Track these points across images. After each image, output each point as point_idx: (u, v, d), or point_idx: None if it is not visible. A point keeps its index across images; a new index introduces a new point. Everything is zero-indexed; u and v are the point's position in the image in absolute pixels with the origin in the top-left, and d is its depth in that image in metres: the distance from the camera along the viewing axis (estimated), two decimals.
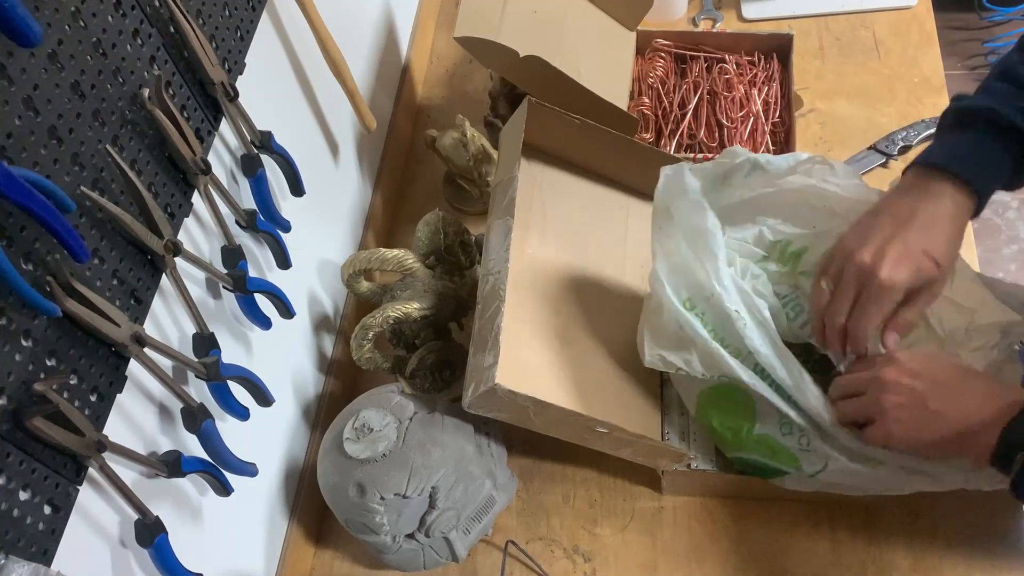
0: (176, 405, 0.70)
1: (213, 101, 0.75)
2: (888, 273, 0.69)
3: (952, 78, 1.70)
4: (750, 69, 1.17)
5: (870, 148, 1.14)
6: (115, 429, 0.63)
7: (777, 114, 1.14)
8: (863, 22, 1.27)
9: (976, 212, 0.72)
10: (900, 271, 0.69)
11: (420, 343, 0.98)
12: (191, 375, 0.72)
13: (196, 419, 0.70)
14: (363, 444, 0.84)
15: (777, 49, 1.18)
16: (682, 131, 1.13)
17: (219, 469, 0.74)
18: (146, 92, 0.65)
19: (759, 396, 0.78)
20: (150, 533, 0.66)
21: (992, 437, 0.66)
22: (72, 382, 0.58)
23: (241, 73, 0.79)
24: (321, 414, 1.00)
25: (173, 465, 0.69)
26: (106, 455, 0.60)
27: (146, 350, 0.64)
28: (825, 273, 0.75)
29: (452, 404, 0.90)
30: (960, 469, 0.75)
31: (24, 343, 0.55)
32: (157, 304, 0.69)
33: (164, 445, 0.71)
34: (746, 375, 0.77)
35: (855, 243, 0.71)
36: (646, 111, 1.15)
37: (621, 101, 1.07)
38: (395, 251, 0.95)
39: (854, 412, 0.74)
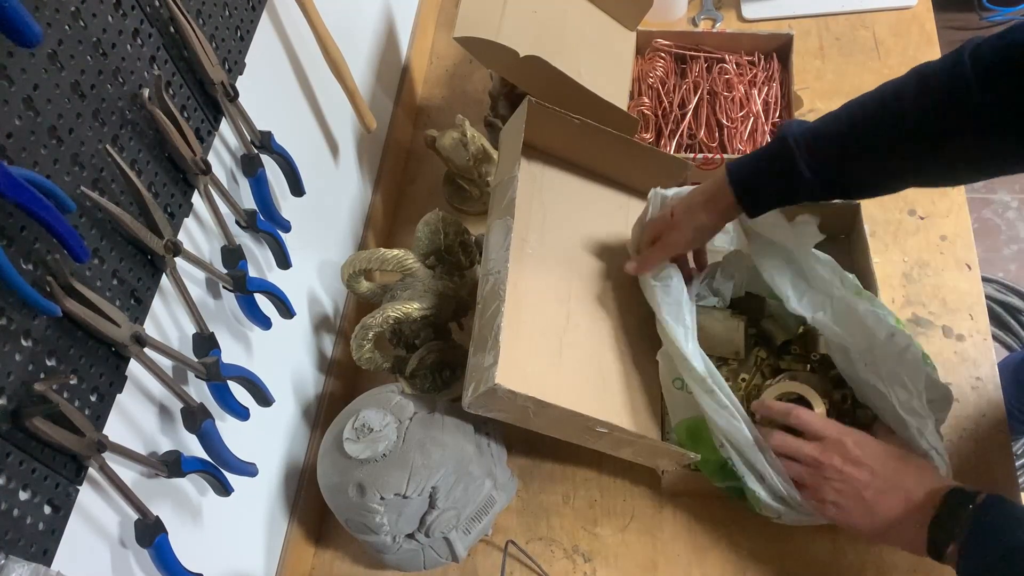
0: (176, 405, 0.70)
1: (213, 101, 0.75)
2: (647, 232, 0.89)
3: None
4: (750, 69, 1.17)
5: None
6: (115, 429, 0.63)
7: (777, 114, 1.14)
8: (863, 22, 1.27)
9: (743, 208, 0.81)
10: (650, 230, 0.89)
11: (420, 343, 0.98)
12: (191, 375, 0.72)
13: (196, 419, 0.70)
14: (363, 444, 0.84)
15: (777, 49, 1.18)
16: (682, 131, 1.13)
17: (219, 469, 0.74)
18: (146, 92, 0.65)
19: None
20: (150, 533, 0.66)
21: (922, 532, 0.71)
22: (72, 382, 0.58)
23: (241, 73, 0.79)
24: (321, 414, 1.00)
25: (173, 465, 0.69)
26: (106, 455, 0.60)
27: (146, 350, 0.64)
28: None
29: (452, 404, 0.90)
30: None
31: (24, 343, 0.55)
32: (157, 304, 0.69)
33: (164, 445, 0.71)
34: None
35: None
36: (646, 111, 1.15)
37: (621, 101, 1.07)
38: (395, 251, 0.95)
39: (795, 476, 0.79)
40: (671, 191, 0.89)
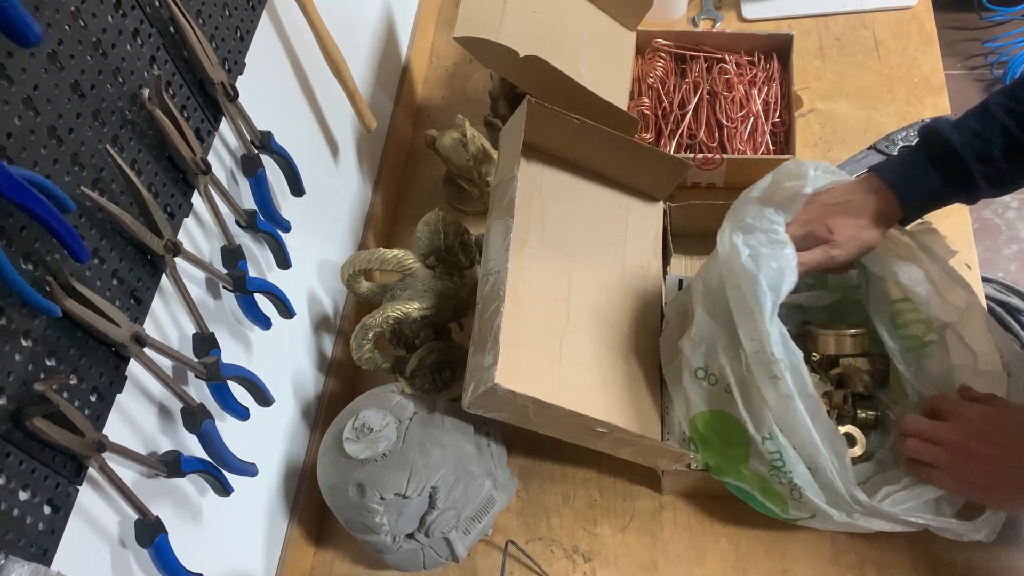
0: (176, 405, 0.70)
1: (213, 101, 0.75)
2: (791, 228, 0.80)
3: (952, 78, 1.70)
4: (750, 69, 1.17)
5: (870, 148, 1.14)
6: (115, 429, 0.63)
7: (777, 114, 1.14)
8: (863, 22, 1.27)
9: (903, 220, 0.82)
10: (796, 229, 0.80)
11: (420, 343, 0.98)
12: (191, 375, 0.72)
13: (196, 419, 0.70)
14: (363, 444, 0.84)
15: (777, 49, 1.18)
16: (682, 131, 1.13)
17: (219, 469, 0.74)
18: (146, 92, 0.65)
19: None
20: (150, 533, 0.66)
21: None
22: (72, 382, 0.58)
23: (241, 73, 0.79)
24: (321, 414, 1.00)
25: (173, 465, 0.69)
26: (106, 455, 0.60)
27: (146, 350, 0.64)
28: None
29: (452, 404, 0.90)
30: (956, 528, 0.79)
31: (24, 343, 0.55)
32: (157, 304, 0.69)
33: (164, 445, 0.71)
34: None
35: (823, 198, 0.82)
36: (646, 111, 1.15)
37: (621, 101, 1.07)
38: (395, 251, 0.95)
39: (921, 454, 0.79)
40: (822, 179, 0.82)
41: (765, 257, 0.76)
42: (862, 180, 0.82)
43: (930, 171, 0.79)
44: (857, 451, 0.89)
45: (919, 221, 0.86)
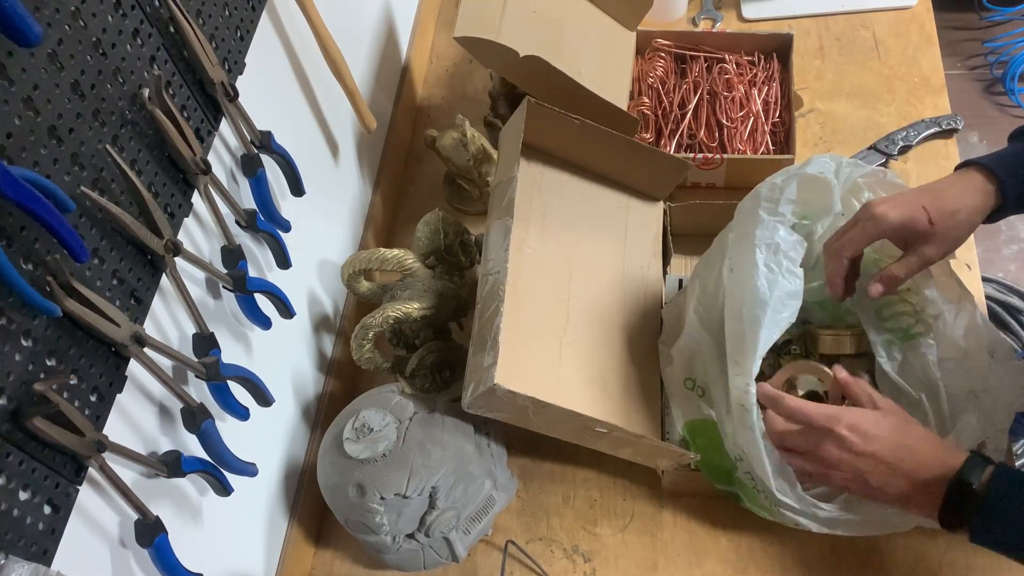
0: (176, 405, 0.70)
1: (213, 101, 0.75)
2: (881, 208, 0.75)
3: (952, 78, 1.70)
4: (750, 69, 1.17)
5: (870, 148, 1.14)
6: (115, 429, 0.63)
7: (777, 114, 1.14)
8: (863, 22, 1.27)
9: (997, 211, 0.77)
10: (893, 210, 0.75)
11: (420, 343, 0.98)
12: (191, 375, 0.72)
13: (196, 419, 0.70)
14: (363, 444, 0.84)
15: (777, 49, 1.18)
16: (682, 131, 1.13)
17: (219, 469, 0.74)
18: (146, 92, 0.65)
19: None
20: (150, 533, 0.66)
21: (933, 513, 0.70)
22: (72, 382, 0.58)
23: (241, 73, 0.79)
24: (321, 414, 1.00)
25: (173, 465, 0.69)
26: (106, 455, 0.60)
27: (146, 350, 0.64)
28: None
29: (452, 404, 0.90)
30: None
31: (24, 343, 0.55)
32: (157, 304, 0.69)
33: (164, 445, 0.71)
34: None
35: (875, 199, 0.78)
36: (646, 111, 1.15)
37: (621, 101, 1.07)
38: (395, 251, 0.95)
39: (798, 470, 0.77)
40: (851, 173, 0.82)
41: (781, 287, 0.75)
42: (959, 171, 0.79)
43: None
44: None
45: None
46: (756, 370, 0.75)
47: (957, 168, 0.80)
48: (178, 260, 0.69)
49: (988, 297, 1.70)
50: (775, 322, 0.74)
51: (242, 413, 0.77)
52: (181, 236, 0.70)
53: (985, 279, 1.68)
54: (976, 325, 0.83)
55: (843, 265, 0.79)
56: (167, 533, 0.66)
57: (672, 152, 1.11)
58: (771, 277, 0.75)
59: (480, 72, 1.32)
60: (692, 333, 0.84)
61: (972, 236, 1.05)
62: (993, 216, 0.79)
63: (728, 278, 0.79)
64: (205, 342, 0.73)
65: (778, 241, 0.77)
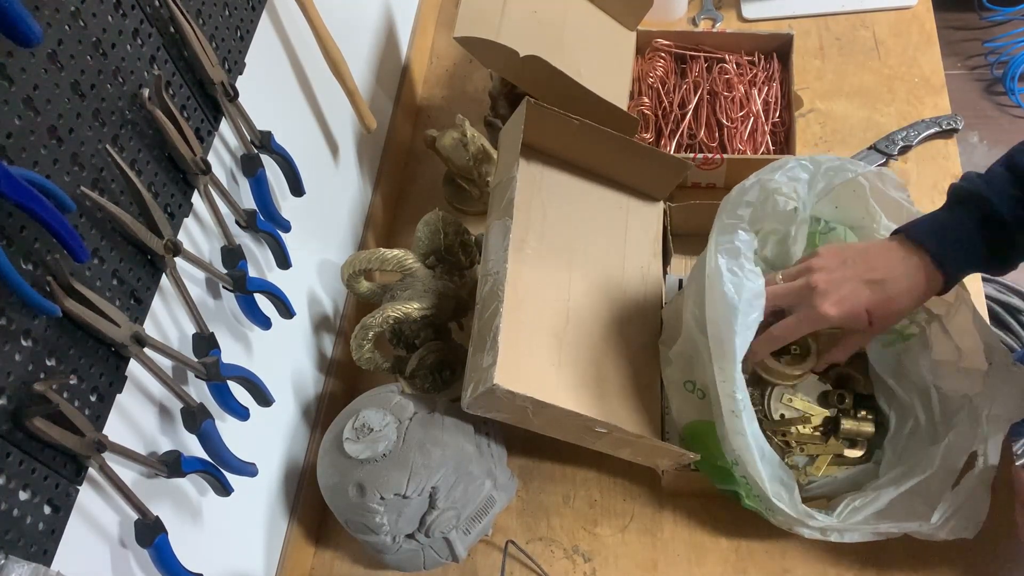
0: (176, 405, 0.70)
1: (213, 101, 0.75)
2: (826, 307, 0.75)
3: (952, 78, 1.70)
4: (750, 69, 1.17)
5: (870, 148, 1.14)
6: (115, 429, 0.63)
7: (777, 114, 1.14)
8: (863, 22, 1.27)
9: (944, 290, 0.77)
10: (835, 309, 0.75)
11: (420, 343, 0.98)
12: (191, 375, 0.72)
13: (196, 419, 0.70)
14: (363, 444, 0.84)
15: (777, 49, 1.18)
16: (682, 131, 1.13)
17: (219, 469, 0.74)
18: (146, 92, 0.65)
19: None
20: (150, 533, 0.66)
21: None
22: (72, 382, 0.58)
23: (241, 73, 0.79)
24: (321, 414, 1.00)
25: (173, 465, 0.69)
26: (106, 455, 0.60)
27: (146, 350, 0.64)
28: (786, 270, 0.81)
29: (452, 404, 0.90)
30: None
31: (24, 343, 0.55)
32: (157, 304, 0.69)
33: (164, 445, 0.71)
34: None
35: (823, 264, 0.77)
36: (646, 111, 1.15)
37: (621, 101, 1.07)
38: (395, 251, 0.95)
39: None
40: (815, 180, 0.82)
41: (747, 289, 0.75)
42: (897, 248, 0.76)
43: (977, 242, 0.74)
44: (857, 452, 0.90)
45: None
46: (738, 375, 0.75)
47: (899, 235, 0.77)
48: (178, 260, 0.69)
49: (988, 297, 1.70)
50: (746, 325, 0.74)
51: (242, 413, 0.77)
52: (181, 236, 0.70)
53: (985, 279, 1.68)
54: (972, 328, 0.83)
55: (774, 349, 0.82)
56: (167, 533, 0.66)
57: (672, 152, 1.11)
58: (736, 280, 0.75)
59: (480, 72, 1.32)
60: (689, 336, 0.84)
61: None
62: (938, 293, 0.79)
63: (707, 282, 0.79)
64: (205, 342, 0.73)
65: (738, 244, 0.77)
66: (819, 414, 0.91)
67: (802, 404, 0.90)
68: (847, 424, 0.89)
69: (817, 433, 0.91)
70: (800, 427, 0.89)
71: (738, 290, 0.75)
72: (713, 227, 0.81)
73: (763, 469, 0.76)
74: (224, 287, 0.77)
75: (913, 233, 0.76)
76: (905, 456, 0.85)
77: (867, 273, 0.76)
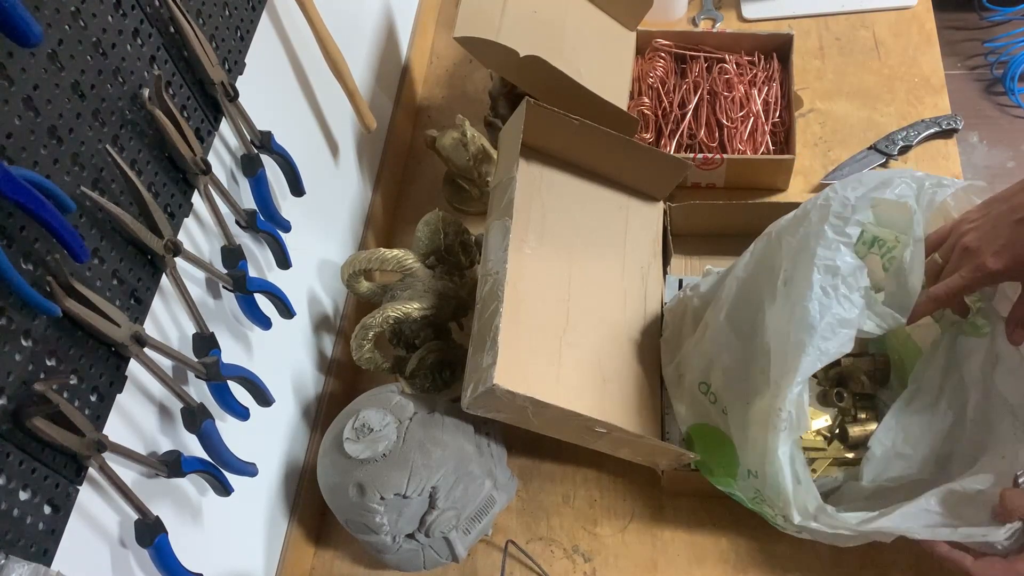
0: (176, 405, 0.70)
1: (213, 101, 0.75)
2: (988, 261, 0.70)
3: (952, 78, 1.70)
4: (750, 69, 1.17)
5: (870, 148, 1.14)
6: (115, 429, 0.63)
7: (777, 114, 1.14)
8: (863, 22, 1.27)
9: None
10: (998, 262, 0.70)
11: (420, 343, 0.98)
12: (191, 375, 0.72)
13: (196, 419, 0.70)
14: (363, 444, 0.84)
15: (777, 49, 1.18)
16: (682, 131, 1.13)
17: (219, 469, 0.74)
18: (146, 92, 0.65)
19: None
20: (150, 533, 0.66)
21: None
22: (72, 382, 0.58)
23: (241, 73, 0.79)
24: (321, 414, 1.00)
25: (173, 465, 0.69)
26: (106, 455, 0.60)
27: (146, 350, 0.64)
28: (936, 247, 0.76)
29: (452, 404, 0.90)
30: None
31: (24, 343, 0.55)
32: (157, 304, 0.69)
33: (164, 445, 0.71)
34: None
35: (968, 224, 0.73)
36: (646, 111, 1.15)
37: (621, 101, 1.07)
38: (395, 251, 0.95)
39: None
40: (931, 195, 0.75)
41: (834, 313, 0.70)
42: None
43: None
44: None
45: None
46: (793, 395, 0.71)
47: None
48: (178, 260, 0.69)
49: None
50: (821, 349, 0.71)
51: (242, 413, 0.77)
52: (181, 236, 0.70)
53: None
54: None
55: (937, 309, 0.76)
56: (167, 533, 0.66)
57: (672, 152, 1.11)
58: (825, 301, 0.71)
59: (480, 72, 1.32)
60: (720, 338, 0.80)
61: None
62: None
63: (781, 291, 0.74)
64: (205, 342, 0.73)
65: (839, 264, 0.71)
66: (818, 416, 0.91)
67: None
68: (855, 431, 0.89)
69: (819, 438, 0.91)
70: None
71: (822, 312, 0.71)
72: (809, 233, 0.74)
73: (790, 482, 0.73)
74: (224, 287, 0.77)
75: None
76: (910, 430, 0.83)
77: (1016, 213, 0.70)
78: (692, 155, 1.08)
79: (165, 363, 0.68)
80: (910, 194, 0.75)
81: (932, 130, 1.14)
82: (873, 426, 0.88)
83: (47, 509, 0.57)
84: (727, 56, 1.18)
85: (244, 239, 0.83)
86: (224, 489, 0.75)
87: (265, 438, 0.89)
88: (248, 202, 0.82)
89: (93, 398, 0.60)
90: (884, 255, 0.80)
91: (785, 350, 0.72)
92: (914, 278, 0.74)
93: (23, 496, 0.54)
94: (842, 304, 0.71)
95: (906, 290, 0.74)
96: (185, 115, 0.70)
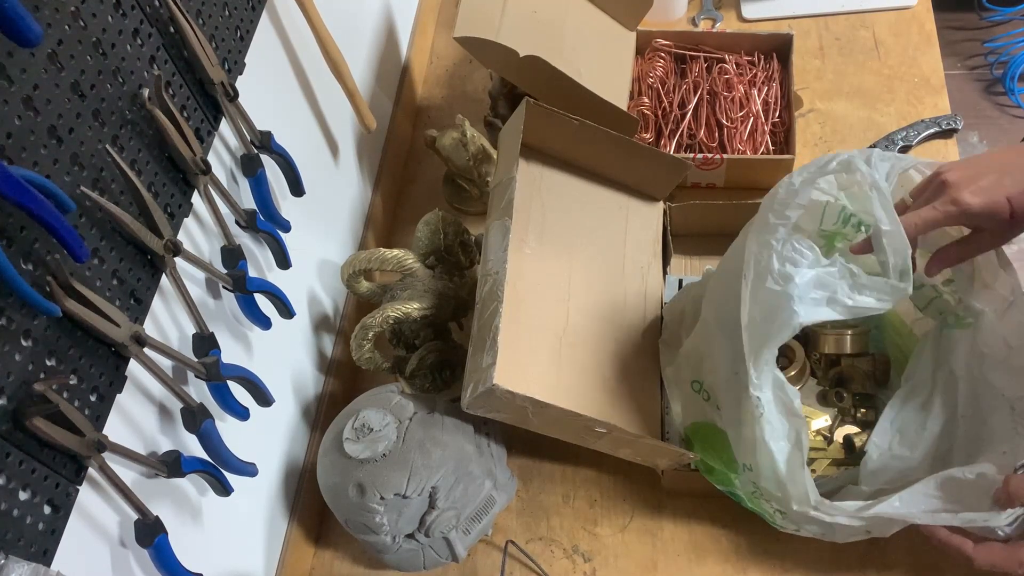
0: (176, 405, 0.70)
1: (213, 101, 0.75)
2: (965, 195, 0.69)
3: (952, 78, 1.70)
4: (750, 69, 1.17)
5: (870, 148, 1.14)
6: (115, 429, 0.63)
7: (777, 114, 1.14)
8: (863, 22, 1.27)
9: None
10: (975, 198, 0.68)
11: (420, 343, 0.98)
12: (191, 375, 0.72)
13: (196, 419, 0.70)
14: (363, 444, 0.84)
15: (777, 49, 1.18)
16: (682, 131, 1.13)
17: (219, 469, 0.74)
18: (146, 92, 0.65)
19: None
20: (150, 533, 0.66)
21: None
22: (72, 382, 0.58)
23: (241, 73, 0.79)
24: (321, 414, 1.00)
25: (173, 465, 0.69)
26: (106, 455, 0.60)
27: (146, 350, 0.64)
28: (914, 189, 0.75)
29: (452, 404, 0.90)
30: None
31: (24, 343, 0.55)
32: (157, 304, 0.69)
33: (164, 445, 0.71)
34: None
35: (952, 165, 0.71)
36: (646, 111, 1.15)
37: (621, 101, 1.07)
38: (395, 251, 0.95)
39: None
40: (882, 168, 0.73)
41: (772, 295, 0.71)
42: None
43: None
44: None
45: None
46: (758, 381, 0.72)
47: None
48: (178, 260, 0.69)
49: None
50: (764, 333, 0.72)
51: (242, 413, 0.77)
52: (181, 236, 0.70)
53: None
54: None
55: (913, 244, 0.72)
56: (167, 533, 0.66)
57: (672, 152, 1.11)
58: (762, 284, 0.72)
59: (480, 72, 1.32)
60: (707, 335, 0.81)
61: None
62: None
63: (742, 283, 0.75)
64: (205, 342, 0.73)
65: (773, 243, 0.73)
66: (818, 416, 0.91)
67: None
68: (859, 441, 0.89)
69: (819, 438, 0.91)
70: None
71: (759, 294, 0.71)
72: (754, 222, 0.76)
73: (784, 468, 0.74)
74: (224, 287, 0.77)
75: None
76: (905, 430, 0.83)
77: (1002, 167, 0.70)
78: (692, 155, 1.08)
79: (165, 363, 0.68)
80: (865, 168, 0.74)
81: (932, 130, 1.14)
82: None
83: (47, 509, 0.57)
84: (727, 56, 1.18)
85: (244, 239, 0.83)
86: (224, 489, 0.75)
87: (265, 438, 0.89)
88: (248, 202, 0.82)
89: (93, 398, 0.60)
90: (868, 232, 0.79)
91: (746, 338, 0.73)
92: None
93: (23, 496, 0.54)
94: (777, 283, 0.71)
95: (896, 250, 0.70)
96: (185, 115, 0.70)
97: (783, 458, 0.74)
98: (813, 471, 0.89)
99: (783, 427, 0.74)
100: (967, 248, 0.74)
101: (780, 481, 0.75)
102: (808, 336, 0.95)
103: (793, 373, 0.92)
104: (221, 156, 0.79)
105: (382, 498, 0.82)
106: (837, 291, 0.70)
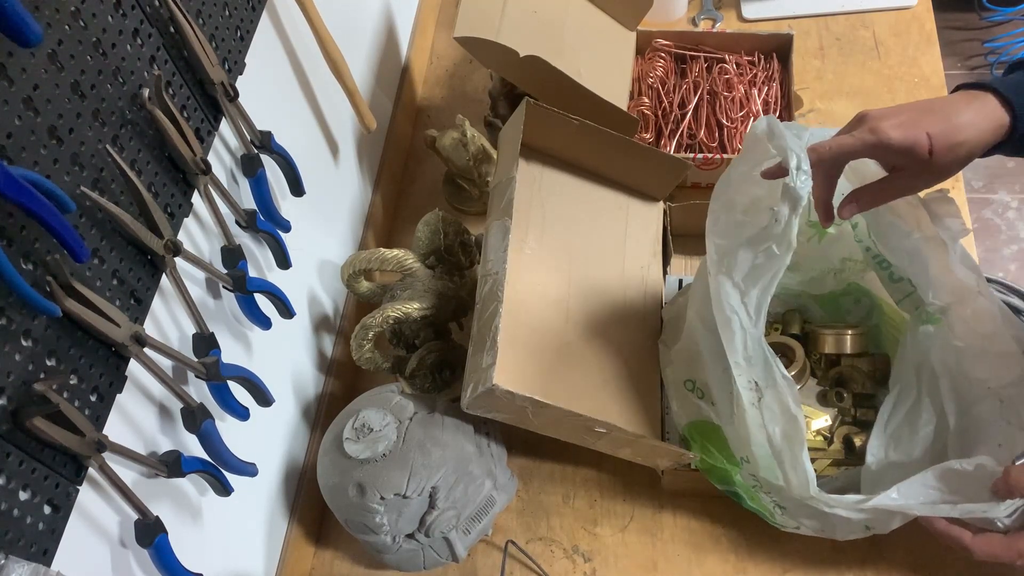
0: (176, 405, 0.70)
1: (213, 101, 0.75)
2: (884, 125, 0.67)
3: (952, 78, 1.70)
4: (750, 69, 1.17)
5: None
6: (115, 429, 0.63)
7: (777, 114, 1.14)
8: (863, 22, 1.27)
9: (1010, 134, 0.69)
10: (895, 130, 0.67)
11: (420, 343, 0.98)
12: (191, 375, 0.72)
13: (196, 419, 0.70)
14: (363, 444, 0.84)
15: (777, 49, 1.18)
16: (682, 131, 1.13)
17: (219, 469, 0.74)
18: (146, 92, 0.65)
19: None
20: (150, 533, 0.66)
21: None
22: (72, 382, 0.58)
23: (241, 73, 0.79)
24: (321, 414, 1.00)
25: (173, 465, 0.69)
26: (106, 455, 0.60)
27: (146, 350, 0.64)
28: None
29: (452, 404, 0.90)
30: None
31: (24, 343, 0.55)
32: (157, 304, 0.69)
33: (164, 445, 0.71)
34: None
35: (875, 108, 0.70)
36: (646, 111, 1.15)
37: (621, 101, 1.07)
38: (395, 251, 0.95)
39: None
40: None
41: (723, 282, 0.72)
42: (959, 94, 0.70)
43: None
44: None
45: (936, 188, 0.75)
46: (736, 369, 0.73)
47: (963, 87, 0.71)
48: (178, 260, 0.69)
49: None
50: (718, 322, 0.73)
51: (242, 413, 0.77)
52: (181, 236, 0.70)
53: (985, 279, 1.67)
54: (995, 316, 0.79)
55: (830, 177, 0.71)
56: (167, 533, 0.66)
57: (672, 152, 1.11)
58: (716, 279, 0.73)
59: (480, 72, 1.32)
60: (692, 334, 0.83)
61: (972, 236, 1.06)
62: (988, 152, 0.71)
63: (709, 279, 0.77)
64: (205, 342, 0.73)
65: (716, 231, 0.75)
66: (818, 416, 0.91)
67: (783, 338, 0.90)
68: (859, 441, 0.89)
69: (820, 438, 0.91)
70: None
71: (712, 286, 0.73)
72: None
73: (784, 459, 0.74)
74: (224, 287, 0.77)
75: (975, 83, 0.70)
76: (898, 436, 0.83)
77: (924, 106, 0.69)
78: (692, 155, 1.08)
79: (165, 363, 0.68)
80: (778, 129, 0.73)
81: None
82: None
83: (47, 509, 0.57)
84: (727, 56, 1.18)
85: (244, 239, 0.83)
86: (224, 489, 0.75)
87: (265, 438, 0.89)
88: (248, 202, 0.82)
89: (93, 398, 0.60)
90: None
91: (727, 331, 0.74)
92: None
93: (23, 496, 0.54)
94: (727, 264, 0.72)
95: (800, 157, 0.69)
96: (185, 115, 0.70)
97: (779, 439, 0.74)
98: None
99: (777, 408, 0.74)
100: (883, 190, 0.72)
101: (779, 464, 0.74)
102: (808, 336, 0.95)
103: (793, 373, 0.92)
104: (221, 156, 0.79)
105: (382, 498, 0.82)
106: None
